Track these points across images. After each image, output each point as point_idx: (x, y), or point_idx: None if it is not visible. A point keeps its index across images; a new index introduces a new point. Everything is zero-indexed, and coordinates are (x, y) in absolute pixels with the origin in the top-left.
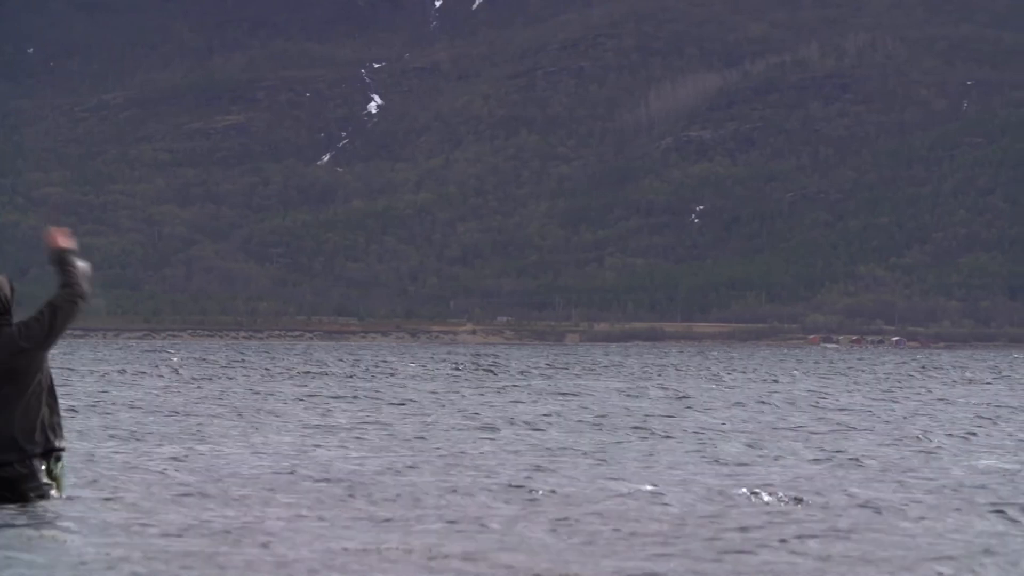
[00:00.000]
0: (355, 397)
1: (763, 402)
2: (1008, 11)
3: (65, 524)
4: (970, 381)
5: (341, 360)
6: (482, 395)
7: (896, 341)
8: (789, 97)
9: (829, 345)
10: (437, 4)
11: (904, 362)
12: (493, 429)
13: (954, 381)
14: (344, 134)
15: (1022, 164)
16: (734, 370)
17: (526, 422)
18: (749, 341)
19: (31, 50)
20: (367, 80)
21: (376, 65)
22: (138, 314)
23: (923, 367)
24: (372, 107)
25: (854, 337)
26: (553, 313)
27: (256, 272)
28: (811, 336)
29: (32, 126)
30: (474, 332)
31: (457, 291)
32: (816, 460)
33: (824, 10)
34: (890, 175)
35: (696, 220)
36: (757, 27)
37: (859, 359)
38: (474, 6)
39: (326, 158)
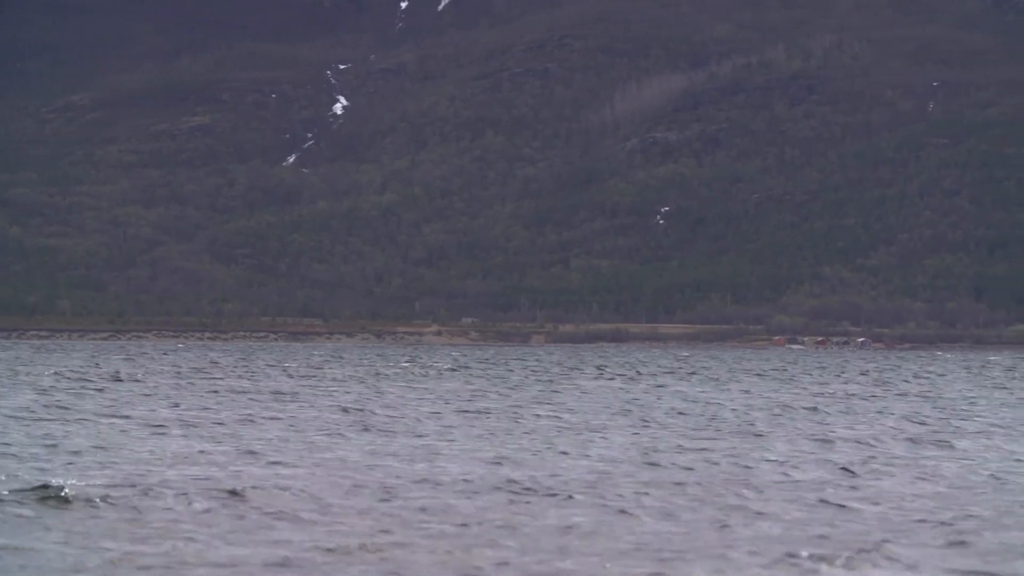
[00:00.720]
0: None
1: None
2: (974, 13)
3: None
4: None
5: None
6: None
7: (861, 342)
8: (755, 98)
9: (795, 346)
10: (403, 6)
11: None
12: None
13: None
14: (309, 135)
15: (988, 165)
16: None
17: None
18: (714, 342)
19: None
20: (332, 81)
21: (342, 66)
22: (103, 315)
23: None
24: (337, 108)
25: (819, 338)
26: (518, 314)
27: (221, 273)
28: (776, 337)
29: None
30: (439, 333)
31: (422, 292)
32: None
33: (790, 11)
34: (856, 176)
35: (661, 221)
36: (723, 28)
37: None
38: (440, 7)
39: (291, 159)
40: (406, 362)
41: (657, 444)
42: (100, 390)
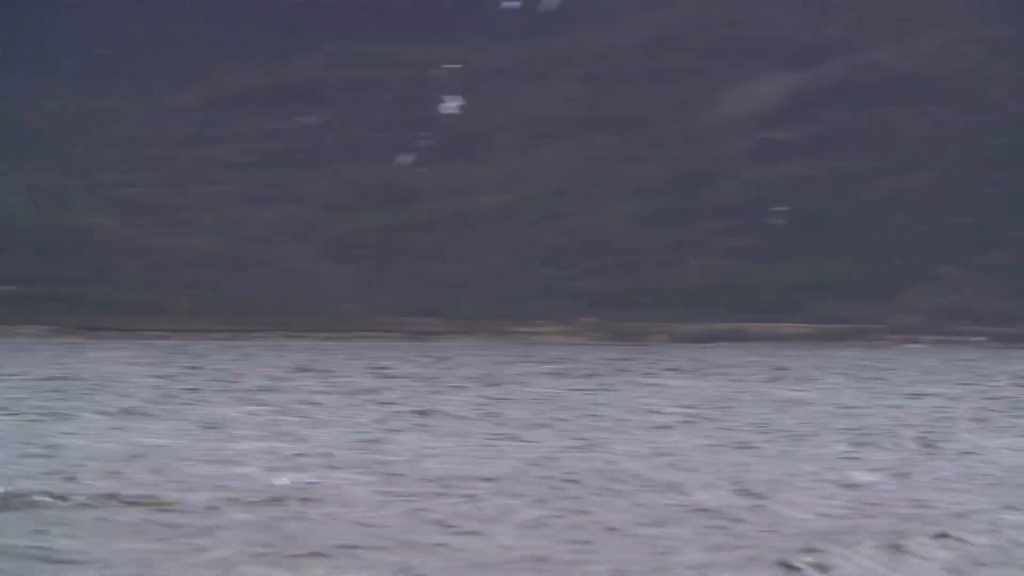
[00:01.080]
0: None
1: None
2: None
3: None
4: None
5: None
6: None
7: (980, 342)
8: (865, 98)
9: (913, 346)
10: (512, 5)
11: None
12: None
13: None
14: (423, 135)
15: None
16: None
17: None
18: (833, 341)
19: (105, 51)
20: (445, 81)
21: (453, 66)
22: (220, 315)
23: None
24: (450, 108)
25: (937, 338)
26: (637, 314)
27: (338, 273)
28: (894, 336)
29: (109, 127)
30: (558, 333)
31: (540, 292)
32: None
33: (899, 10)
34: (968, 176)
35: (776, 221)
36: (832, 28)
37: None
38: (549, 7)
39: (406, 158)
40: (509, 360)
41: (698, 442)
42: (193, 390)
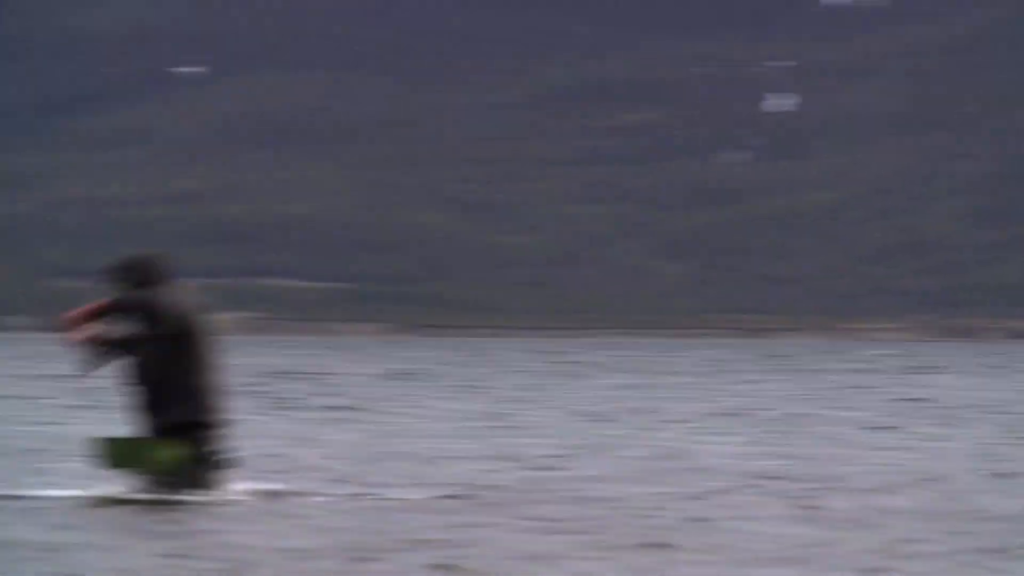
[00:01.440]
0: None
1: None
2: None
3: None
4: None
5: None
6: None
7: None
8: None
9: None
10: (839, 0)
11: None
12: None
13: None
14: (750, 132)
15: None
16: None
17: None
18: None
19: (430, 46)
20: (770, 78)
21: (778, 63)
22: (549, 313)
23: None
24: (778, 104)
25: None
26: (968, 311)
27: (668, 270)
28: None
29: (436, 124)
30: (890, 330)
31: (869, 290)
32: None
33: None
34: None
35: None
36: None
37: None
38: (877, 2)
39: (733, 156)
40: (829, 357)
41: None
42: (492, 387)
